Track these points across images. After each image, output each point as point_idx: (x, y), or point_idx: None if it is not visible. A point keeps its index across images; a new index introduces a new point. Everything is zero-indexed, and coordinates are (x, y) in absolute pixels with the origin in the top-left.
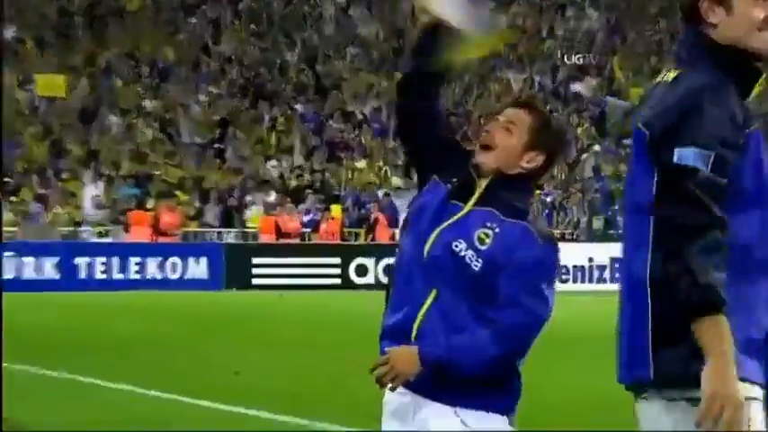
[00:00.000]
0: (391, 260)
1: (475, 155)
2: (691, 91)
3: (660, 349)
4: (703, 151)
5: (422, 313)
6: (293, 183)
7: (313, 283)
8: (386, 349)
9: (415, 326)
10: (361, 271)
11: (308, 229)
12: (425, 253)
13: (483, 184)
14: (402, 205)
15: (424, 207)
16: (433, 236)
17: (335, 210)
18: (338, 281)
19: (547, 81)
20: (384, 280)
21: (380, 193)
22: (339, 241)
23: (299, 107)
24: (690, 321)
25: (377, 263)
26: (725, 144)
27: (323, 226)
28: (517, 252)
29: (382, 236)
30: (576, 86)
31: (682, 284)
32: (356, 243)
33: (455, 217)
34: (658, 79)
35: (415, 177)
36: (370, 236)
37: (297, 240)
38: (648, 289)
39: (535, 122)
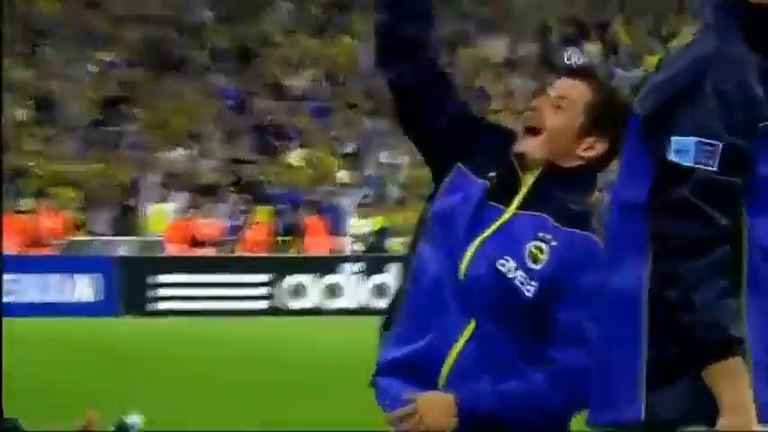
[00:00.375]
0: (337, 278)
1: (517, 140)
2: (697, 60)
3: (656, 384)
4: (708, 141)
5: (457, 349)
6: (209, 177)
7: (234, 308)
8: (410, 396)
9: (448, 365)
10: (297, 292)
11: (231, 238)
12: (462, 272)
13: (529, 179)
14: (349, 205)
15: (453, 208)
16: (471, 249)
17: (262, 212)
18: (266, 304)
19: (534, 47)
20: (326, 303)
21: (323, 191)
22: (268, 253)
23: (215, 79)
24: (696, 363)
25: (317, 281)
26: (738, 131)
27: (247, 233)
28: (582, 272)
29: (315, 246)
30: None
31: (684, 320)
32: (290, 255)
33: (495, 224)
34: (674, 44)
35: (367, 170)
36: (300, 245)
37: (214, 252)
38: (642, 308)
39: (595, 97)
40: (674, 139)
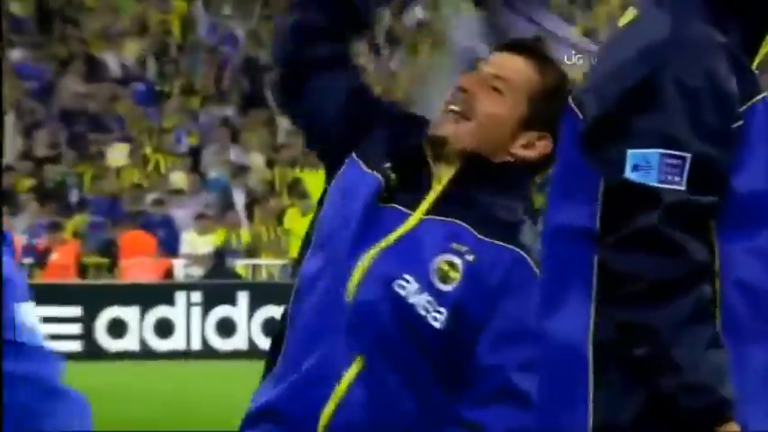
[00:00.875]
0: (167, 311)
1: (435, 124)
2: (651, 48)
3: None
4: (674, 153)
5: (338, 396)
6: (4, 180)
7: None
8: None
9: (326, 416)
10: (117, 329)
11: (29, 260)
12: (349, 295)
13: (445, 175)
14: (185, 217)
15: (343, 211)
16: (361, 265)
17: (71, 227)
18: (79, 345)
19: (426, 16)
20: (154, 344)
21: (150, 199)
22: (77, 279)
23: (14, 54)
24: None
25: (143, 315)
26: (709, 136)
27: (53, 255)
28: (507, 299)
29: (137, 270)
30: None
31: (663, 385)
32: (108, 283)
33: (396, 233)
34: (602, 12)
35: (209, 172)
36: (115, 270)
37: None
38: (588, 361)
39: (543, 81)
40: (630, 152)
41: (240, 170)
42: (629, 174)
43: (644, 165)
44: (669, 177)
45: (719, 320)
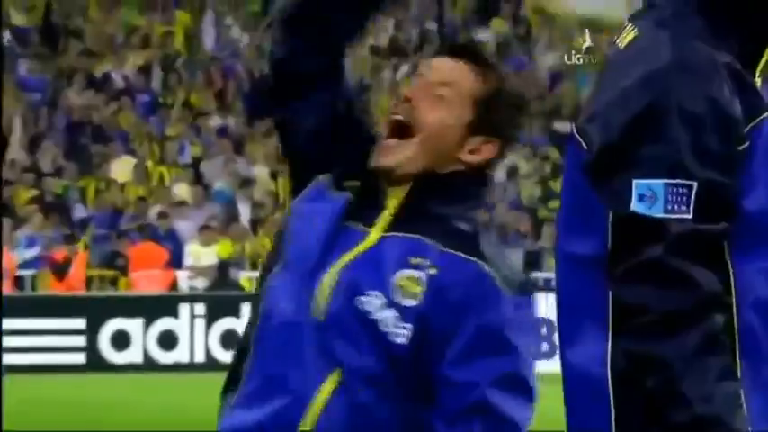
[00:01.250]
0: (171, 323)
1: (378, 153)
2: (652, 75)
3: None
4: (680, 182)
5: (315, 410)
6: (7, 192)
7: (43, 362)
8: None
9: (305, 427)
10: (121, 341)
11: (31, 272)
12: (318, 308)
13: (399, 193)
14: (188, 229)
15: (308, 228)
16: (327, 280)
17: (83, 242)
18: (82, 357)
19: (431, 26)
20: (157, 356)
21: (155, 211)
22: (83, 291)
23: (17, 67)
24: None
25: (146, 327)
26: (714, 162)
27: (72, 267)
28: (473, 311)
29: (143, 282)
30: (481, 34)
31: (674, 418)
32: (111, 295)
33: (357, 249)
34: (617, 38)
35: (214, 184)
36: (125, 282)
37: (15, 290)
38: (609, 392)
39: (486, 86)
40: (635, 182)
41: (245, 182)
42: (634, 205)
43: (649, 195)
44: (675, 207)
45: (738, 343)
